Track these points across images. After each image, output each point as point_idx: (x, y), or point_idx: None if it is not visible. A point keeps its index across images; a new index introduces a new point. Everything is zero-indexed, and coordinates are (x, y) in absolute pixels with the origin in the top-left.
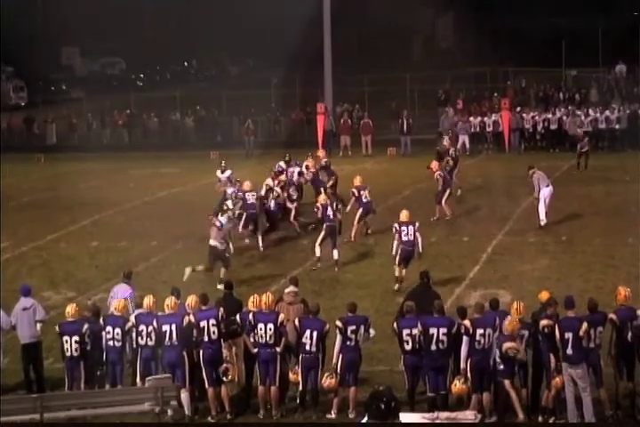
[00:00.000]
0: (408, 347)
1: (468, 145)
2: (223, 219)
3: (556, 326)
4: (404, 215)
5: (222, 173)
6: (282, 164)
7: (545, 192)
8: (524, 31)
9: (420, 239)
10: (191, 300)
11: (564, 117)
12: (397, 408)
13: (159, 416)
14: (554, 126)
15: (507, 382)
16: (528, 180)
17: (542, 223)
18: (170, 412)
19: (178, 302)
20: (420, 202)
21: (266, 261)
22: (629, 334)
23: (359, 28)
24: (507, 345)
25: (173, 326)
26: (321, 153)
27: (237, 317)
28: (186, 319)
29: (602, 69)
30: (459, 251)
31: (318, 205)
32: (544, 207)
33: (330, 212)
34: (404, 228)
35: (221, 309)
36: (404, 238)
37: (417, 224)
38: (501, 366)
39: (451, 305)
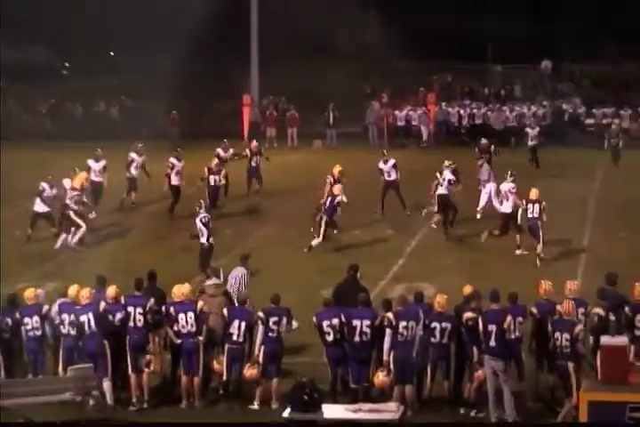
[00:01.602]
0: (330, 338)
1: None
2: None
3: (480, 319)
4: (533, 193)
5: (96, 161)
6: (219, 150)
7: (489, 186)
8: (450, 27)
9: (544, 217)
10: (111, 290)
11: (489, 113)
12: (320, 400)
13: (81, 406)
14: (479, 121)
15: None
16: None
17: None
18: (91, 401)
19: (93, 292)
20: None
21: (189, 251)
22: (549, 327)
23: (286, 21)
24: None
25: (90, 315)
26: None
27: (162, 307)
28: (102, 305)
29: (527, 66)
30: (384, 244)
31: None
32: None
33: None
34: (529, 205)
35: (151, 298)
36: (529, 215)
37: (543, 203)
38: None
39: (375, 298)
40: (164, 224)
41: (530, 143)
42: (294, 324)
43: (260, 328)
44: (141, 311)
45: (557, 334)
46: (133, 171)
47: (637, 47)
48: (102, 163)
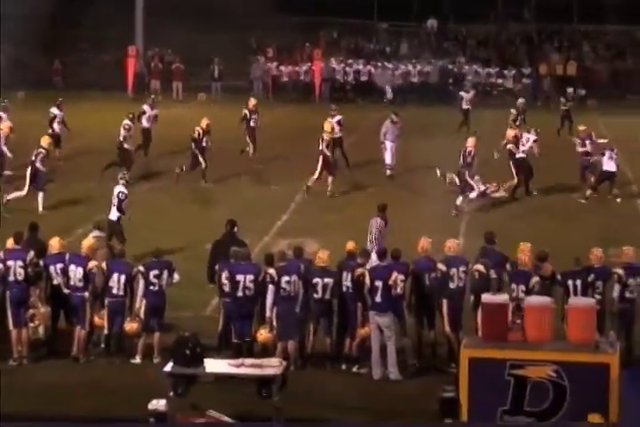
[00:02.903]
0: (226, 291)
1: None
2: None
3: (367, 275)
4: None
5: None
6: (145, 106)
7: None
8: None
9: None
10: None
11: (373, 69)
12: (202, 354)
13: None
14: (364, 78)
15: None
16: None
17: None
18: None
19: None
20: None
21: (77, 204)
22: (427, 284)
23: None
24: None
25: None
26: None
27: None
28: None
29: (413, 24)
30: (267, 199)
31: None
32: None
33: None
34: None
35: (31, 251)
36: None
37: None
38: None
39: (258, 253)
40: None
41: (464, 106)
42: (176, 277)
43: (141, 282)
44: (21, 265)
45: (514, 286)
46: (56, 126)
47: (521, 8)
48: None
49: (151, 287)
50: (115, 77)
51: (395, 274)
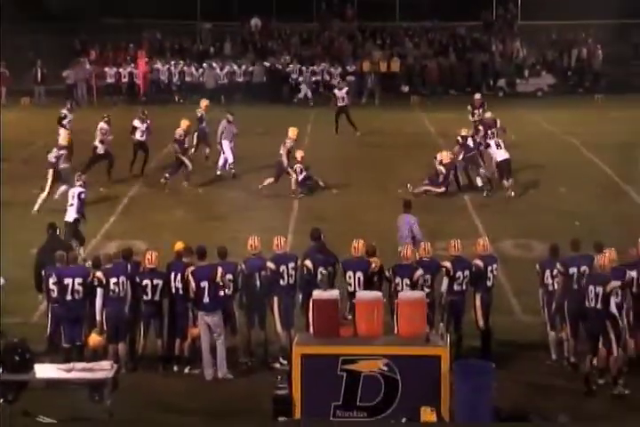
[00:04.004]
0: (54, 295)
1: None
2: None
3: (190, 276)
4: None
5: None
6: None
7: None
8: None
9: None
10: None
11: (199, 69)
12: (32, 360)
13: None
14: (189, 78)
15: None
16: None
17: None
18: None
19: None
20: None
21: None
22: (257, 283)
23: None
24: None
25: None
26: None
27: None
28: None
29: (237, 23)
30: (94, 201)
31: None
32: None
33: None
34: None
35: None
36: None
37: None
38: None
39: (87, 256)
40: None
41: (339, 104)
42: (1, 280)
43: None
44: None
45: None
46: None
47: (343, 6)
48: None
49: None
50: None
51: (219, 272)
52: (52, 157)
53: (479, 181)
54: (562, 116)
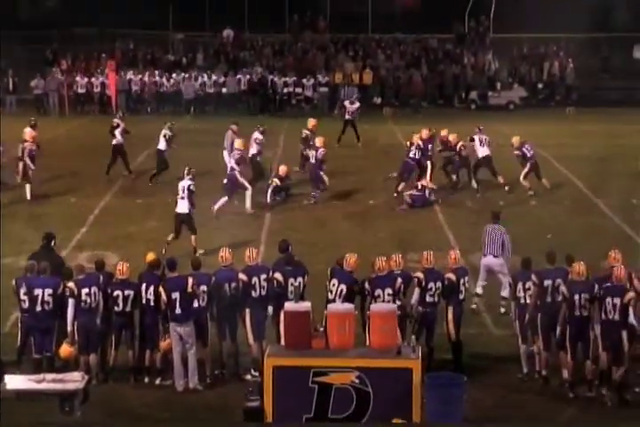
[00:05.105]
0: (25, 306)
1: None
2: None
3: (162, 288)
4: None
5: None
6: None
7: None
8: None
9: None
10: None
11: (168, 81)
12: (2, 371)
13: None
14: (162, 89)
15: None
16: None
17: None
18: None
19: None
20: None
21: None
22: (228, 294)
23: None
24: None
25: None
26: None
27: None
28: None
29: (209, 34)
30: (65, 211)
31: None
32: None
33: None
34: None
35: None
36: None
37: None
38: None
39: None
40: None
41: (347, 117)
42: None
43: None
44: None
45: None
46: None
47: (316, 18)
48: None
49: None
50: None
51: (190, 282)
52: None
53: (474, 184)
54: (533, 129)
